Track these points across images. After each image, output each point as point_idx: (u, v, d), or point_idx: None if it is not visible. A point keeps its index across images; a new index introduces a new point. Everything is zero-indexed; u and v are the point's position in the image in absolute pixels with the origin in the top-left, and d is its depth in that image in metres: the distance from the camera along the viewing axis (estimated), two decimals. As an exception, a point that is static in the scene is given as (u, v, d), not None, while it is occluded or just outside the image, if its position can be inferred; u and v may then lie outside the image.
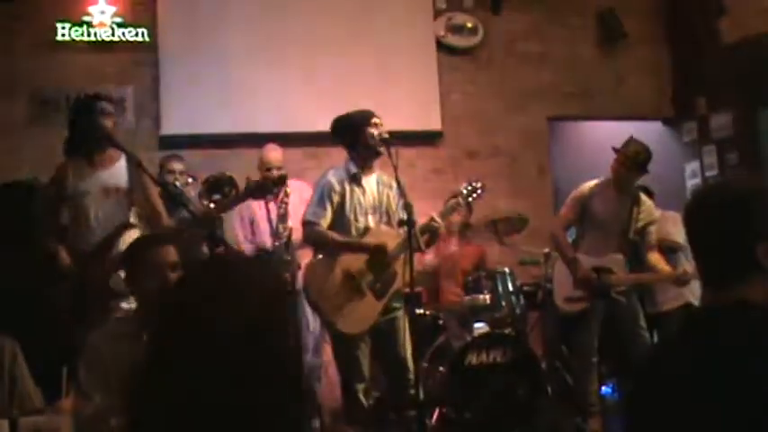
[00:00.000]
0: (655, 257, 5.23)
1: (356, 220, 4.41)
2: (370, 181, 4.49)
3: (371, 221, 4.45)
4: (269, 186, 4.50)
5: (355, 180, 4.43)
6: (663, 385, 1.62)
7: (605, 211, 5.14)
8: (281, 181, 4.87)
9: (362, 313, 4.36)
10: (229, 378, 1.27)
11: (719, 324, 1.60)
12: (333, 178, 4.41)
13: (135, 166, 4.06)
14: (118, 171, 4.19)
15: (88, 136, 4.15)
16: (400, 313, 4.49)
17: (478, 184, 4.68)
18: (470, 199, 4.73)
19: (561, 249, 5.20)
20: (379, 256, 4.34)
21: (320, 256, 4.49)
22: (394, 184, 4.46)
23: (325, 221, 4.37)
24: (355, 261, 4.37)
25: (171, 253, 2.90)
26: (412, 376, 4.36)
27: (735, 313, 1.60)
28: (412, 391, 4.34)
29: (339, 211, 4.39)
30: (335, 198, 4.37)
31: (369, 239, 4.39)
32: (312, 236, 4.45)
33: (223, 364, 1.28)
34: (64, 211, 4.17)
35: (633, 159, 5.09)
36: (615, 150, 5.15)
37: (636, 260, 5.28)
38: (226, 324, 1.30)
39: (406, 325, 4.48)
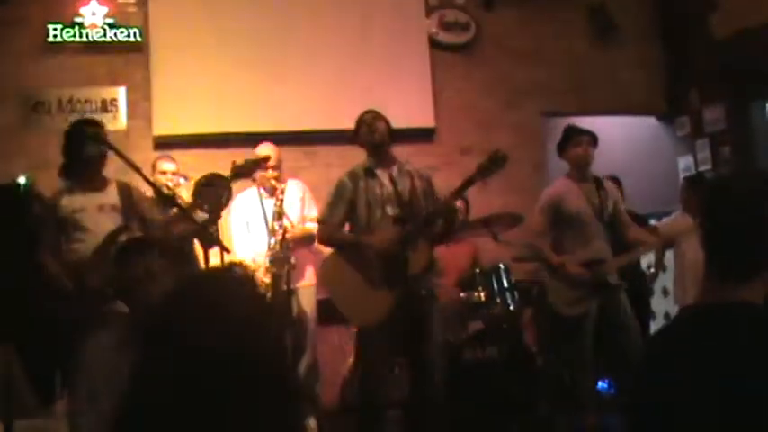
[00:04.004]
0: (635, 232, 5.26)
1: (372, 212, 4.49)
2: (388, 173, 4.56)
3: (390, 211, 4.49)
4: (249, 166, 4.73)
5: (370, 174, 4.55)
6: (665, 382, 1.61)
7: (577, 205, 5.11)
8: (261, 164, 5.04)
9: (375, 305, 4.36)
10: (218, 400, 1.27)
11: (725, 322, 1.59)
12: (346, 176, 4.59)
13: (127, 190, 4.30)
14: (111, 193, 4.32)
15: (81, 165, 4.28)
16: (433, 309, 4.51)
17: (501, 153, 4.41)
18: (492, 171, 4.42)
19: (546, 258, 5.14)
20: (383, 246, 4.37)
21: (333, 252, 4.59)
22: (424, 173, 4.69)
23: (338, 218, 4.55)
24: (366, 254, 4.43)
25: (150, 262, 2.82)
26: (437, 381, 4.41)
27: (740, 312, 1.59)
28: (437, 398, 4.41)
29: (352, 206, 4.53)
30: (347, 195, 4.53)
31: (376, 234, 4.42)
32: (322, 235, 4.70)
33: (209, 386, 1.27)
34: (56, 227, 4.23)
35: (584, 133, 5.17)
36: (563, 148, 5.24)
37: (615, 242, 5.27)
38: (211, 348, 1.30)
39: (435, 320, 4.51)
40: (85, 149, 4.24)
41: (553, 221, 5.16)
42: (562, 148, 5.27)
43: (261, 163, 5.14)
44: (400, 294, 4.34)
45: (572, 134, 5.21)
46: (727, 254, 1.66)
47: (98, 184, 4.33)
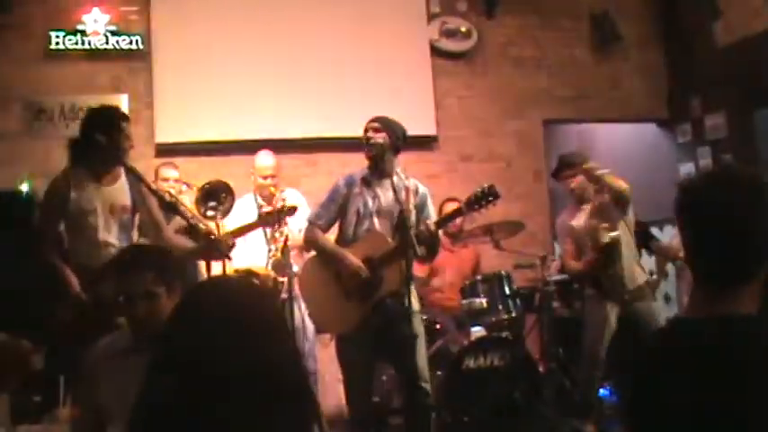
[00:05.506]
0: None
1: (360, 222, 4.38)
2: (384, 184, 4.41)
3: (378, 224, 4.38)
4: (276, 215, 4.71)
5: (366, 183, 4.42)
6: (655, 392, 1.59)
7: (582, 228, 5.32)
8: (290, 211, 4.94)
9: (343, 314, 4.33)
10: (231, 409, 1.27)
11: (715, 337, 1.54)
12: (342, 180, 4.49)
13: (137, 180, 4.11)
14: (122, 188, 4.19)
15: (105, 152, 4.09)
16: (411, 320, 4.30)
17: (495, 189, 4.27)
18: (480, 205, 4.31)
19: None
20: (353, 270, 4.28)
21: (312, 258, 4.56)
22: (421, 189, 4.48)
23: (325, 220, 4.46)
24: (341, 265, 4.36)
25: (144, 281, 2.69)
26: (425, 385, 4.30)
27: (730, 325, 1.54)
28: (427, 401, 4.32)
29: (342, 213, 4.44)
30: (339, 200, 4.44)
31: (359, 248, 4.34)
32: (307, 236, 4.56)
33: (225, 400, 1.27)
34: (62, 224, 4.15)
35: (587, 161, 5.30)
36: (563, 175, 5.43)
37: None
38: (225, 358, 1.29)
39: (421, 330, 4.41)
40: (120, 144, 4.08)
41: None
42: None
43: (290, 212, 4.98)
44: (369, 310, 4.28)
45: (572, 164, 5.37)
46: (713, 258, 1.59)
47: (110, 177, 4.17)
